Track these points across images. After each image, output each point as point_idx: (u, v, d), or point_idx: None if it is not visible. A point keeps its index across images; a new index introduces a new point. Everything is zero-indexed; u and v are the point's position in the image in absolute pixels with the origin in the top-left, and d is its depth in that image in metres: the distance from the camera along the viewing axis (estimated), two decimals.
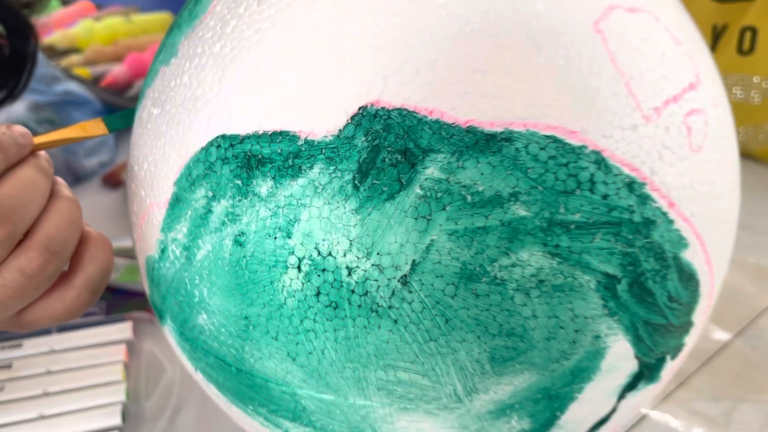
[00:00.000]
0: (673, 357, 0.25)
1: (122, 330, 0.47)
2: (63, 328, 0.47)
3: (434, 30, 0.20)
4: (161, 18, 0.88)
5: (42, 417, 0.41)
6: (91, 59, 0.78)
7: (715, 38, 0.62)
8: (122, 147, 0.69)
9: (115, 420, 0.40)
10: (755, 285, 0.51)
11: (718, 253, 0.24)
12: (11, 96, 0.48)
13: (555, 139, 0.20)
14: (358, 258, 0.20)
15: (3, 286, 0.24)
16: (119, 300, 0.50)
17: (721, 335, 0.47)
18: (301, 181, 0.20)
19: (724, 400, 0.42)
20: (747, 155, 0.66)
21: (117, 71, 0.75)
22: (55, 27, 0.84)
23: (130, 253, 0.52)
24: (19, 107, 0.66)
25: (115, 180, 0.63)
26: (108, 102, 0.72)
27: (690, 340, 0.25)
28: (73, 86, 0.70)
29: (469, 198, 0.20)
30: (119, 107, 0.72)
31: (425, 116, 0.20)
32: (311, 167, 0.20)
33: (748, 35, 0.59)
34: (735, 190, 0.26)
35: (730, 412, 0.41)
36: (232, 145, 0.22)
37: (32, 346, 0.46)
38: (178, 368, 0.44)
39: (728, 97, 0.62)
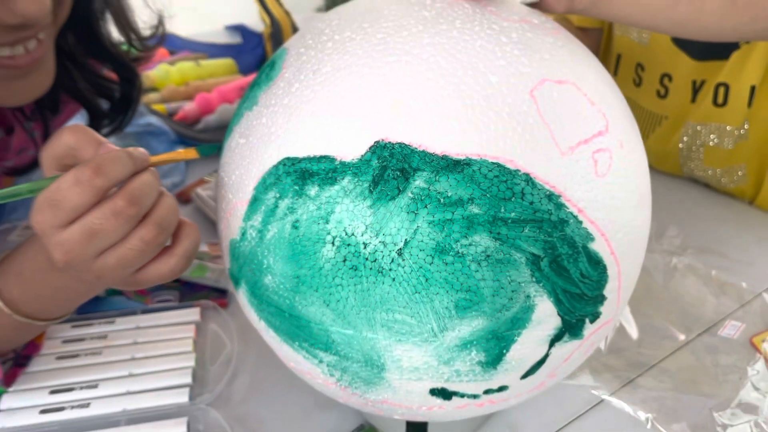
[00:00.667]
0: (592, 321, 0.35)
1: (192, 314, 0.59)
2: (146, 311, 0.59)
3: (423, 95, 0.32)
4: (225, 63, 1.02)
5: (131, 375, 0.53)
6: (166, 97, 0.93)
7: (694, 92, 0.72)
8: (191, 170, 0.82)
9: (187, 379, 0.52)
10: (716, 298, 0.60)
11: (622, 248, 0.35)
12: (119, 128, 0.61)
13: (498, 165, 0.31)
14: (371, 237, 0.32)
15: (129, 249, 0.36)
16: (190, 291, 0.62)
17: (676, 339, 0.56)
18: (336, 187, 0.32)
19: (669, 391, 0.51)
20: (723, 192, 0.76)
21: (188, 108, 0.89)
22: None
23: (199, 256, 0.65)
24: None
25: (186, 197, 0.76)
26: (180, 133, 0.85)
27: (606, 311, 0.36)
28: (153, 119, 0.84)
29: (442, 200, 0.31)
30: (189, 138, 0.85)
31: (416, 148, 0.31)
32: (343, 178, 0.32)
33: (722, 90, 0.70)
34: (639, 205, 0.36)
35: (672, 400, 0.51)
36: (293, 164, 0.34)
37: (123, 323, 0.58)
38: (235, 344, 0.56)
39: (705, 142, 0.72)
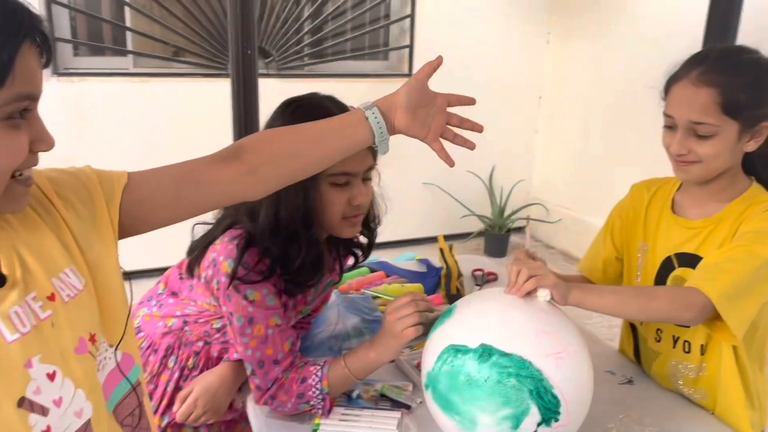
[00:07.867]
0: (555, 422, 0.96)
1: (396, 414, 1.24)
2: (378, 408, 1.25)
3: (509, 321, 0.99)
4: (416, 286, 1.75)
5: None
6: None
7: (674, 342, 1.29)
8: None
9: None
10: None
11: (569, 396, 0.96)
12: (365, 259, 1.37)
13: (523, 359, 0.96)
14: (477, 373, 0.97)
15: (417, 328, 1.05)
16: (395, 403, 1.28)
17: None
18: (467, 356, 0.99)
19: None
20: (696, 405, 1.28)
21: None
22: (367, 284, 1.75)
23: (398, 391, 1.31)
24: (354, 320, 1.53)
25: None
26: None
27: (561, 419, 0.97)
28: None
29: (506, 366, 0.96)
30: None
31: (495, 347, 0.98)
32: (468, 353, 0.99)
33: (686, 344, 1.26)
34: (576, 382, 0.98)
35: None
36: (455, 348, 1.01)
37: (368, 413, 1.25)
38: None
39: (683, 373, 1.33)
